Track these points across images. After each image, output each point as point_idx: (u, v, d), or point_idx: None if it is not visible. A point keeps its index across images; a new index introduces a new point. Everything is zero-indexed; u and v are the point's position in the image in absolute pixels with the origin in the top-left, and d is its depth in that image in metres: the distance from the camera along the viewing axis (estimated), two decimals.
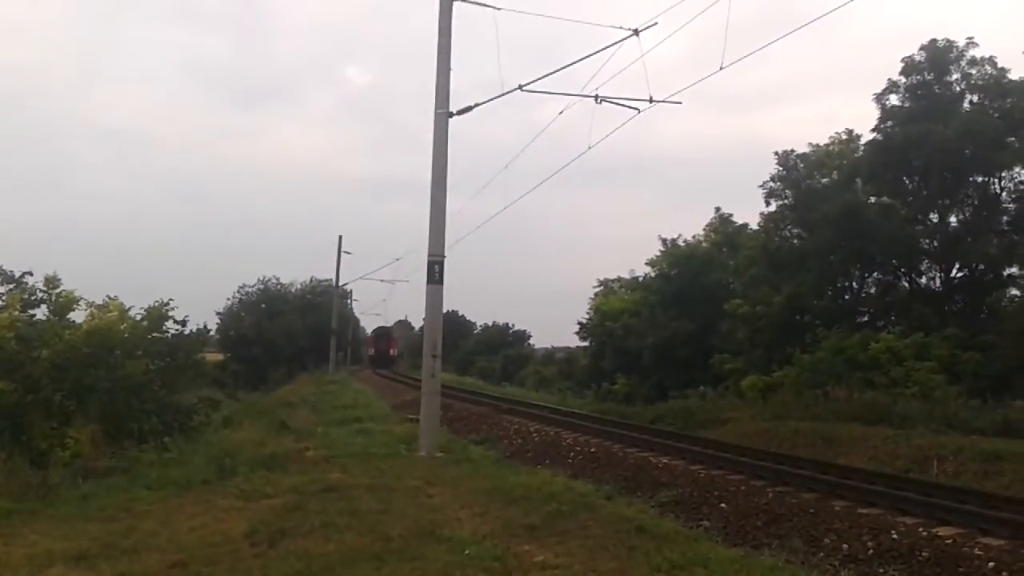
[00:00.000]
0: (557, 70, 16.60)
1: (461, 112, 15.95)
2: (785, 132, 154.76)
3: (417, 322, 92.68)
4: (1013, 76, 28.69)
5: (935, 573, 8.38)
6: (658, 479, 13.85)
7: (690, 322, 39.26)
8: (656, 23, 15.17)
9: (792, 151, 35.91)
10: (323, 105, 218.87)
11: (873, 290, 33.29)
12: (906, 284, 31.86)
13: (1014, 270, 28.31)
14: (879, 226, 28.88)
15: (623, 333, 44.16)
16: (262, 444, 14.79)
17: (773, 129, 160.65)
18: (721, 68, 14.37)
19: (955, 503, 10.85)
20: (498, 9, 15.75)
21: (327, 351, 55.57)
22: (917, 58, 30.16)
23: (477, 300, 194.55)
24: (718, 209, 44.87)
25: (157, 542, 7.98)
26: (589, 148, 17.78)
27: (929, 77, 30.01)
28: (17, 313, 16.57)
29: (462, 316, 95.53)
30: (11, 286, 17.34)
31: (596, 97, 16.34)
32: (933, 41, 30.00)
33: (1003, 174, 28.98)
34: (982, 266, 28.97)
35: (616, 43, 15.30)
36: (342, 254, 55.83)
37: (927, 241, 30.58)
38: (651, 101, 16.17)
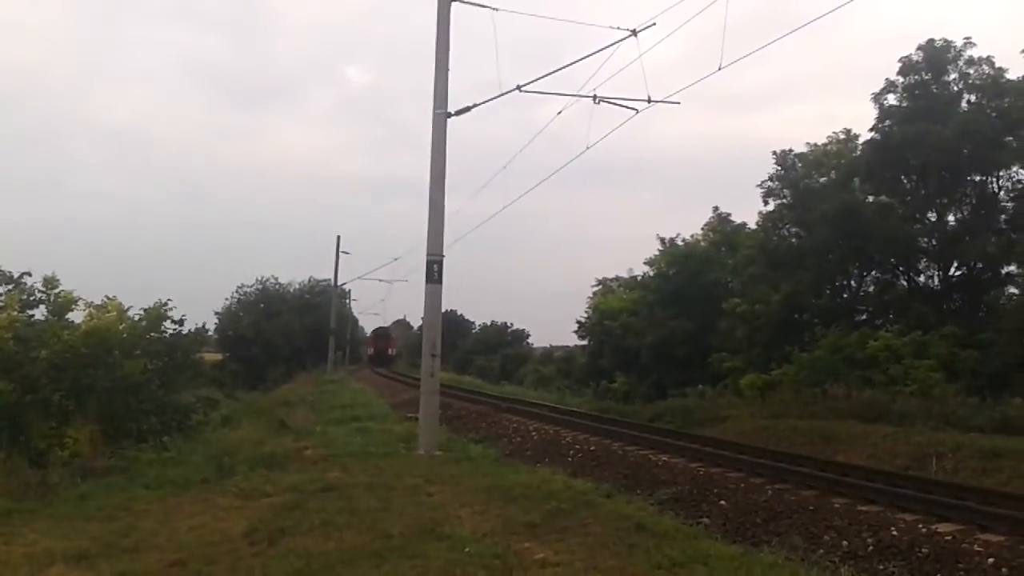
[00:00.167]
0: (555, 70, 16.62)
1: (460, 112, 15.96)
2: (783, 132, 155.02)
3: (416, 321, 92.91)
4: (1011, 76, 28.77)
5: (935, 569, 8.39)
6: (657, 477, 13.87)
7: (688, 321, 39.29)
8: (654, 24, 15.20)
9: (790, 151, 36.01)
10: (323, 105, 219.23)
11: (871, 289, 33.32)
12: (904, 283, 31.89)
13: (1012, 268, 28.34)
14: (877, 225, 28.91)
15: (622, 332, 44.17)
16: (261, 443, 14.78)
17: (771, 129, 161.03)
18: (720, 68, 14.40)
19: (954, 500, 10.87)
20: (496, 10, 15.77)
21: (326, 351, 55.58)
22: (915, 58, 30.20)
23: (476, 299, 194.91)
24: (716, 208, 44.97)
25: (157, 541, 7.98)
26: (587, 148, 17.80)
27: (927, 77, 30.05)
28: (16, 313, 16.56)
29: (461, 315, 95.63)
30: (10, 286, 17.33)
31: (594, 97, 16.36)
32: (931, 41, 30.06)
33: (1001, 173, 29.04)
34: (980, 264, 29.01)
35: (614, 43, 15.33)
36: (341, 254, 55.94)
37: (925, 240, 30.61)
38: (649, 101, 16.20)
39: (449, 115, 15.61)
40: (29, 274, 17.67)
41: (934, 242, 30.29)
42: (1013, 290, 28.78)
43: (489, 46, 18.95)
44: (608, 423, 21.98)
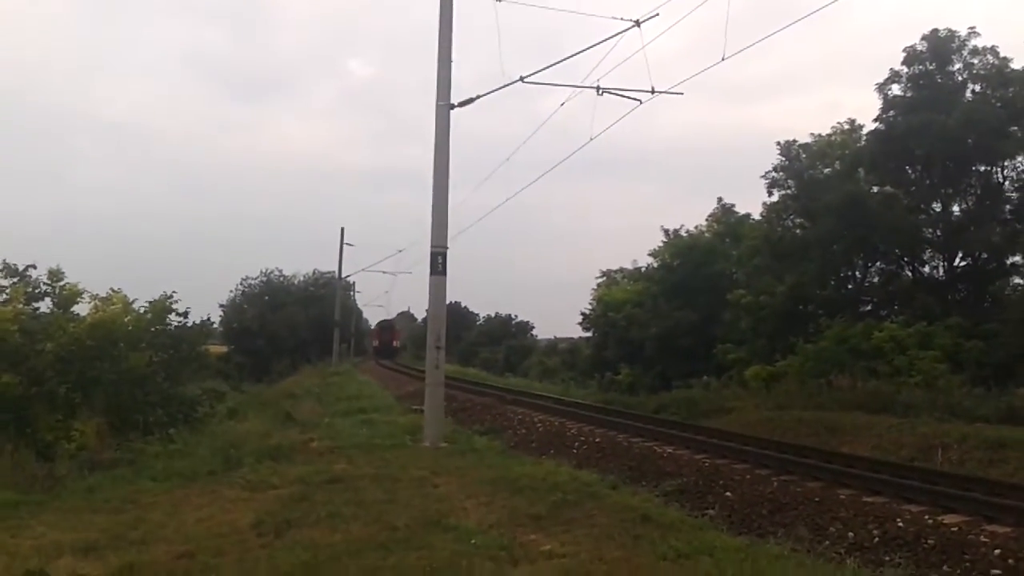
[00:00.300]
0: (558, 61, 16.63)
1: (462, 104, 15.94)
2: (787, 122, 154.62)
3: (420, 314, 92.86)
4: (1015, 65, 28.66)
5: (941, 560, 8.40)
6: (663, 468, 13.88)
7: (693, 312, 39.24)
8: (657, 14, 15.17)
9: (794, 141, 35.89)
10: (325, 98, 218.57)
11: (876, 279, 33.25)
12: (909, 273, 31.82)
13: (1017, 259, 28.28)
14: (882, 215, 28.82)
15: (626, 323, 44.12)
16: (267, 435, 14.82)
17: (775, 119, 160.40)
18: (723, 59, 14.40)
19: (960, 491, 10.86)
20: (499, 0, 15.74)
21: (330, 343, 55.65)
22: (919, 48, 30.07)
23: (480, 291, 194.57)
24: (720, 199, 44.77)
25: (164, 533, 8.01)
26: (591, 139, 17.81)
27: (931, 67, 29.92)
28: (21, 306, 16.63)
29: (465, 307, 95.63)
30: (15, 279, 17.38)
31: (598, 88, 16.33)
32: (935, 31, 29.94)
33: (1006, 163, 28.92)
34: (985, 255, 28.93)
35: (617, 34, 15.31)
36: (344, 246, 55.97)
37: (930, 230, 30.52)
38: (653, 92, 16.18)
39: (452, 107, 15.60)
40: (34, 267, 17.73)
41: (939, 232, 30.20)
42: (1018, 280, 28.76)
43: (492, 37, 18.91)
44: (613, 415, 21.99)
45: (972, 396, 20.60)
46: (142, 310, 18.35)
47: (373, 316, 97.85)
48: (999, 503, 9.99)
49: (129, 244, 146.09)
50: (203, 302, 74.34)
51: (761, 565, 6.72)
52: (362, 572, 6.42)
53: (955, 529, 9.08)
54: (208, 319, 21.91)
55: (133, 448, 13.71)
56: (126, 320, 17.68)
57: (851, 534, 9.49)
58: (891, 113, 30.46)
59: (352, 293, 74.47)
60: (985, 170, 29.38)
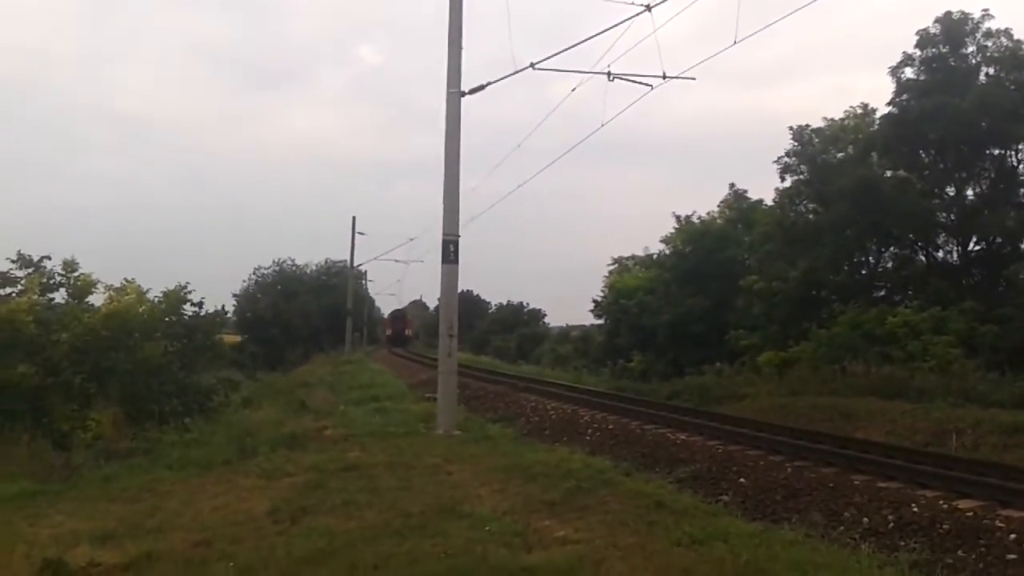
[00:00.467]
0: (569, 47, 16.61)
1: (473, 91, 15.90)
2: (799, 106, 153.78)
3: (432, 302, 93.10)
4: None
5: (956, 545, 8.38)
6: (676, 455, 13.89)
7: (705, 299, 39.16)
8: None
9: (807, 126, 35.67)
10: (336, 86, 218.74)
11: (890, 264, 33.09)
12: (923, 258, 31.66)
13: None
14: (895, 200, 28.67)
15: (638, 310, 44.08)
16: (281, 424, 14.90)
17: (787, 104, 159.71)
18: (735, 42, 14.30)
19: (975, 476, 10.83)
20: None
21: (343, 331, 55.79)
22: (932, 31, 29.82)
23: (492, 279, 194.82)
24: (732, 185, 44.62)
25: (181, 521, 8.07)
26: (602, 125, 17.74)
27: (944, 50, 29.68)
28: (36, 297, 16.72)
29: (477, 295, 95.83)
30: (30, 270, 17.47)
31: (609, 74, 16.25)
32: (948, 13, 29.66)
33: (1020, 146, 28.67)
34: (999, 239, 28.73)
35: (628, 19, 15.20)
36: (356, 235, 56.04)
37: (944, 214, 30.34)
38: (664, 77, 16.09)
39: (463, 94, 15.57)
40: (49, 258, 17.82)
41: (953, 217, 30.01)
42: None
43: (502, 24, 18.84)
44: (626, 402, 22.01)
45: (986, 381, 20.52)
46: (156, 300, 18.44)
47: (385, 305, 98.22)
48: (1014, 488, 9.96)
49: (138, 235, 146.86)
50: (215, 292, 74.66)
51: (775, 550, 6.72)
52: (377, 558, 6.45)
53: (970, 514, 9.06)
54: (222, 309, 22.01)
55: (149, 437, 13.80)
56: (140, 310, 17.78)
57: (866, 519, 9.48)
58: (904, 97, 30.24)
59: (364, 282, 74.66)
60: (999, 153, 29.16)
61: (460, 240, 15.44)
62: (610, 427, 17.14)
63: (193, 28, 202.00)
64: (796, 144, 35.58)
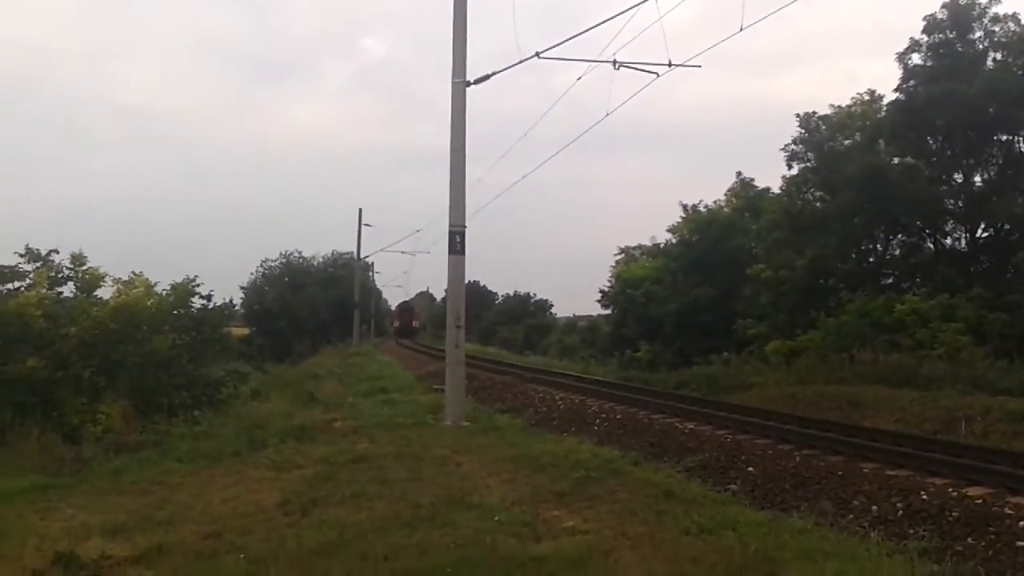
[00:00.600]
0: (574, 36, 16.51)
1: (479, 81, 15.89)
2: (806, 93, 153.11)
3: (439, 293, 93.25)
4: None
5: (965, 533, 8.36)
6: (684, 444, 13.88)
7: (712, 288, 39.09)
8: None
9: (814, 113, 35.50)
10: (339, 78, 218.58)
11: (897, 252, 32.95)
12: (931, 245, 31.52)
13: None
14: (903, 187, 28.54)
15: (645, 300, 44.00)
16: (290, 416, 14.94)
17: (793, 91, 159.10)
18: (741, 29, 14.25)
19: (984, 463, 10.80)
20: None
21: (351, 323, 55.86)
22: (939, 16, 29.63)
23: (498, 270, 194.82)
24: (739, 174, 44.45)
25: (191, 513, 8.11)
26: (608, 114, 17.70)
27: (951, 35, 29.50)
28: (45, 291, 16.79)
29: (484, 287, 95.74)
30: (38, 264, 17.53)
31: (614, 63, 16.20)
32: None
33: None
34: (1007, 226, 28.59)
35: (634, 7, 15.15)
36: (363, 227, 56.08)
37: (951, 201, 30.20)
38: (670, 65, 16.04)
39: (468, 84, 15.55)
40: (57, 252, 17.88)
41: (960, 203, 29.87)
42: None
43: (507, 13, 18.79)
44: (633, 392, 21.99)
45: (995, 368, 20.44)
46: (165, 293, 18.49)
47: (392, 296, 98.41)
48: None
49: (145, 229, 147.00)
50: (223, 285, 74.88)
51: (784, 539, 6.73)
52: (387, 549, 6.47)
53: (979, 501, 9.04)
54: (230, 301, 22.06)
55: (158, 430, 13.86)
56: (149, 303, 17.83)
57: (875, 507, 9.47)
58: (911, 83, 30.07)
59: (371, 274, 74.75)
60: (1007, 139, 29.00)
61: (467, 231, 15.45)
62: (618, 417, 17.14)
63: (197, 23, 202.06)
64: (803, 131, 35.43)
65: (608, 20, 15.78)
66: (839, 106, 35.79)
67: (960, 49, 29.34)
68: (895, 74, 30.93)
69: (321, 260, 75.30)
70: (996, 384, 18.81)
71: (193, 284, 18.92)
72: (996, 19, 29.13)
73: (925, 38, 29.92)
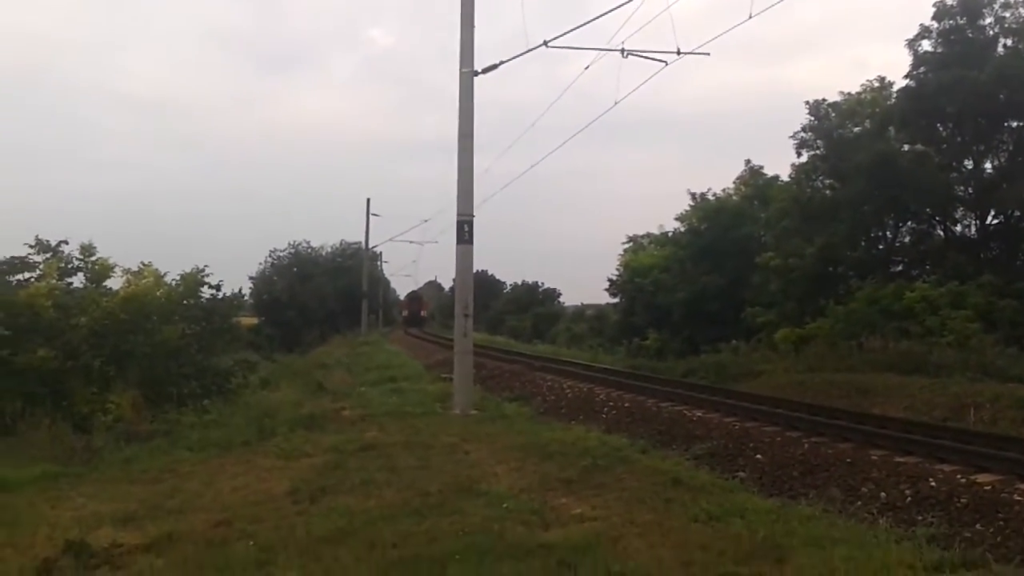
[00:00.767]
0: (582, 24, 16.44)
1: (486, 70, 15.87)
2: (815, 80, 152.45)
3: (447, 283, 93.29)
4: None
5: (974, 519, 8.36)
6: (692, 432, 13.87)
7: (721, 276, 39.03)
8: None
9: (823, 100, 35.37)
10: (347, 68, 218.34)
11: (907, 239, 32.84)
12: (941, 232, 31.40)
13: None
14: (913, 174, 28.41)
15: (653, 289, 43.95)
16: (300, 405, 15.01)
17: (803, 77, 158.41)
18: (750, 17, 14.17)
19: (993, 450, 10.77)
20: None
21: (359, 313, 55.97)
22: (949, 2, 29.41)
23: (506, 259, 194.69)
24: (748, 162, 44.30)
25: (201, 502, 8.15)
26: (616, 103, 17.64)
27: (962, 22, 29.32)
28: (55, 282, 16.85)
29: (492, 276, 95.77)
30: (48, 255, 17.59)
31: (622, 51, 16.14)
32: None
33: None
34: (1018, 212, 28.44)
35: None
36: (371, 217, 56.10)
37: (962, 188, 30.06)
38: (679, 53, 15.97)
39: (476, 73, 15.53)
40: (66, 242, 17.94)
41: (971, 190, 29.73)
42: None
43: (514, 1, 18.73)
44: (641, 380, 21.96)
45: (1005, 355, 20.39)
46: (174, 283, 18.54)
47: (401, 286, 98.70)
48: None
49: (153, 219, 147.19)
50: (231, 275, 74.95)
51: (792, 526, 6.73)
52: (396, 537, 6.50)
53: (988, 488, 9.02)
54: (239, 291, 22.11)
55: (168, 419, 13.93)
56: (158, 293, 17.88)
57: (883, 494, 9.46)
58: (922, 70, 29.91)
59: (379, 263, 74.89)
60: (1018, 126, 28.82)
61: (475, 220, 15.45)
62: (626, 405, 17.14)
63: (205, 13, 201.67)
64: (812, 119, 35.30)
65: (616, 8, 15.71)
66: (849, 93, 35.67)
67: (970, 35, 29.16)
68: (905, 61, 30.85)
69: (329, 250, 75.49)
70: (1006, 371, 18.77)
71: (202, 274, 18.97)
72: (1007, 5, 28.96)
73: (935, 24, 29.75)
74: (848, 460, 10.89)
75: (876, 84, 35.45)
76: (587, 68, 17.22)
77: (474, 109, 15.52)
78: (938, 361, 20.29)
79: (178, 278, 18.72)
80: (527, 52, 16.17)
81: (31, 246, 17.48)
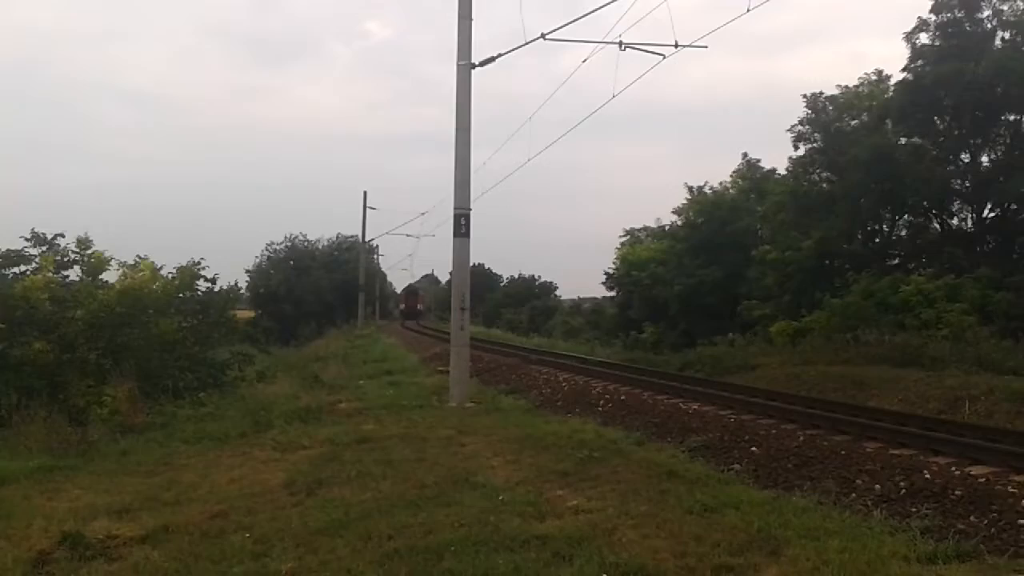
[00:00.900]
0: (580, 17, 16.45)
1: (484, 63, 15.84)
2: (812, 74, 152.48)
3: (444, 276, 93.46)
4: None
5: (968, 511, 8.36)
6: (688, 425, 13.87)
7: (717, 269, 39.12)
8: None
9: (821, 93, 35.42)
10: (344, 62, 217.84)
11: (904, 232, 32.93)
12: (937, 226, 31.48)
13: None
14: (910, 168, 28.46)
15: (650, 282, 44.02)
16: (296, 397, 15.01)
17: (800, 71, 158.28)
18: (748, 10, 14.15)
19: (988, 442, 10.78)
20: None
21: (355, 306, 56.01)
22: None
23: (503, 253, 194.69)
24: (745, 155, 44.42)
25: (197, 494, 8.16)
26: (614, 96, 17.63)
27: (959, 15, 29.36)
28: (51, 275, 16.83)
29: (489, 269, 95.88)
30: (44, 248, 17.57)
31: (620, 44, 16.14)
32: None
33: None
34: (1014, 205, 28.53)
35: None
36: (367, 210, 56.09)
37: (958, 181, 30.11)
38: (676, 46, 15.98)
39: (473, 66, 15.50)
40: (62, 235, 17.92)
41: (967, 184, 29.80)
42: None
43: None
44: (638, 373, 21.94)
45: (1000, 348, 20.43)
46: (170, 276, 18.53)
47: (397, 279, 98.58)
48: None
49: (149, 212, 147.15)
50: (227, 268, 74.93)
51: (787, 518, 6.75)
52: (392, 529, 6.51)
53: (982, 480, 9.03)
54: (235, 284, 22.10)
55: (164, 412, 13.92)
56: (155, 287, 17.87)
57: (878, 486, 9.47)
58: (919, 63, 29.93)
59: (376, 257, 74.89)
60: (1015, 119, 28.90)
61: (472, 214, 15.45)
62: (622, 398, 17.14)
63: (204, 6, 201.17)
64: (810, 112, 35.36)
65: (615, 1, 15.72)
66: (846, 86, 35.76)
67: (968, 28, 29.20)
68: (903, 54, 30.95)
69: (326, 243, 75.56)
70: (1001, 364, 18.80)
71: (198, 267, 18.95)
72: None
73: (933, 17, 29.82)
74: (843, 452, 10.89)
75: (874, 77, 35.56)
76: (585, 61, 17.29)
77: (471, 102, 15.51)
78: (934, 354, 20.33)
79: (174, 271, 18.71)
80: (525, 45, 16.20)
81: (27, 239, 17.49)
